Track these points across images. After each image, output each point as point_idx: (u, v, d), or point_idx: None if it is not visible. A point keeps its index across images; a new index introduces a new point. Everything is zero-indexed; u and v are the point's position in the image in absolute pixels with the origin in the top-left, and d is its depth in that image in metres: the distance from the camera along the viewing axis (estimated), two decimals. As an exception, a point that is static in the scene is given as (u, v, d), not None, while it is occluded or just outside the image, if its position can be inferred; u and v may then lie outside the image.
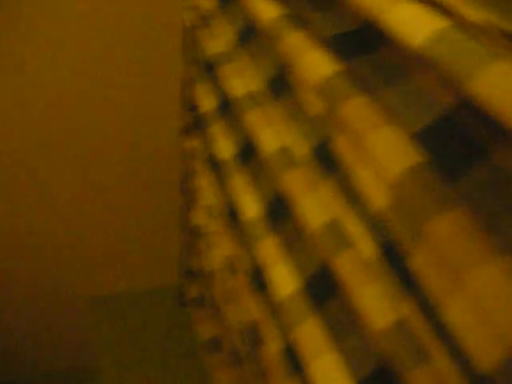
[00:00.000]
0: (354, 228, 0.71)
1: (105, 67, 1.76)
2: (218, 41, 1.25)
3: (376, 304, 0.69)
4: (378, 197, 0.65)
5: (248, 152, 1.14)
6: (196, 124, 1.49)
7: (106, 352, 2.34)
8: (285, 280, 0.92)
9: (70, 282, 2.50)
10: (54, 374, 3.03)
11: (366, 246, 0.68)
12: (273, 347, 0.97)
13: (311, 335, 0.84)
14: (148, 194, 2.20)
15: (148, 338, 2.36)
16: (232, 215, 1.20)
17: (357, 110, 0.67)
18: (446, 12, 0.56)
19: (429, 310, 0.58)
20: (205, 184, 1.42)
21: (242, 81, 1.11)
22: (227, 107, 1.27)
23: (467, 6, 0.56)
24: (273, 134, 0.98)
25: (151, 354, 2.30)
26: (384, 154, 0.62)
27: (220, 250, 1.31)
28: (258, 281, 1.06)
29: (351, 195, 0.74)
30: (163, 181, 2.17)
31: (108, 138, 1.96)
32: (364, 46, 0.71)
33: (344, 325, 0.81)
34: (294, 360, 0.92)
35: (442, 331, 0.56)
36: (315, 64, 0.77)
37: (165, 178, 2.16)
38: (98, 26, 1.66)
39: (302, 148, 0.85)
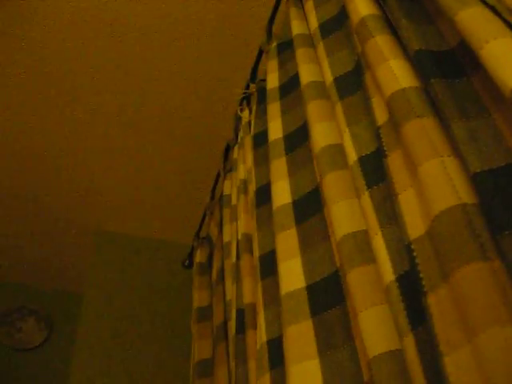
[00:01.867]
0: (380, 247, 0.69)
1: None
2: (302, 22, 1.23)
3: (376, 329, 0.67)
4: (415, 225, 0.63)
5: (296, 139, 1.12)
6: (257, 98, 1.47)
7: (95, 282, 2.37)
8: (293, 276, 0.90)
9: (84, 213, 2.52)
10: (43, 292, 3.08)
11: (386, 269, 0.66)
12: (261, 336, 0.96)
13: (302, 337, 0.82)
14: (190, 150, 2.20)
15: (140, 283, 2.37)
16: (261, 196, 1.18)
17: (422, 131, 0.65)
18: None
19: (430, 353, 0.56)
20: (245, 158, 1.40)
21: (313, 68, 1.09)
22: (290, 90, 1.25)
23: None
24: (329, 129, 0.96)
25: (139, 295, 2.31)
26: (434, 184, 0.60)
27: (240, 226, 1.29)
28: (267, 268, 1.04)
29: (389, 213, 0.72)
30: (211, 143, 2.17)
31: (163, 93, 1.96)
32: (448, 69, 0.68)
33: (337, 338, 0.79)
34: (277, 355, 0.90)
35: (437, 378, 0.54)
36: (395, 73, 0.74)
37: (214, 142, 2.16)
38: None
39: (356, 152, 0.83)
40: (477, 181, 0.55)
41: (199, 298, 1.74)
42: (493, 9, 0.63)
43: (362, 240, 0.78)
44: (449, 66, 0.69)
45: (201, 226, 2.09)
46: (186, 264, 2.20)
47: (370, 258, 0.75)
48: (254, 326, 1.10)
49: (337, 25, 1.07)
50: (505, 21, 0.60)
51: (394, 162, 0.72)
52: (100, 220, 2.53)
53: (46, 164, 2.26)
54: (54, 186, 2.37)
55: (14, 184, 2.35)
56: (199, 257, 1.94)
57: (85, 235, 2.62)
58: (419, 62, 0.70)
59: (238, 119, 1.63)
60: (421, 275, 0.59)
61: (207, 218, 2.01)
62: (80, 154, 2.22)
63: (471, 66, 0.68)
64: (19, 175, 2.31)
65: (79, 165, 2.27)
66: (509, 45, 0.56)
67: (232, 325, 1.22)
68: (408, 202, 0.66)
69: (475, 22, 0.60)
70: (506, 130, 0.59)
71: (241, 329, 1.16)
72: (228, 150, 1.80)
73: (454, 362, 0.51)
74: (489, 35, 0.57)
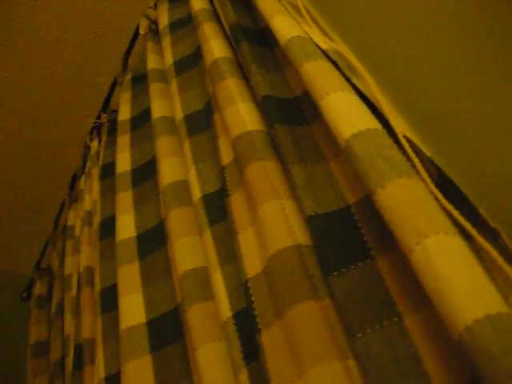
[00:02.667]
0: (219, 284, 0.70)
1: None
2: (158, 58, 1.24)
3: (213, 364, 0.68)
4: (252, 264, 0.65)
5: (145, 174, 1.12)
6: (108, 128, 1.46)
7: None
8: (133, 311, 0.89)
9: None
10: None
11: (223, 306, 0.67)
12: (99, 373, 0.93)
13: (140, 374, 0.81)
14: (35, 178, 2.12)
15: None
16: (105, 229, 1.16)
17: (263, 174, 0.67)
18: (379, 115, 0.57)
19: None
20: (91, 189, 1.37)
21: (165, 103, 1.09)
22: (141, 124, 1.24)
23: (397, 117, 0.58)
24: (176, 165, 0.97)
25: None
26: (272, 225, 0.62)
27: (82, 259, 1.26)
28: (108, 302, 1.02)
29: (229, 251, 0.73)
30: (57, 171, 2.10)
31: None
32: (291, 116, 0.72)
33: (175, 374, 0.79)
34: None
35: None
36: (241, 116, 0.77)
37: (61, 170, 2.09)
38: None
39: (200, 190, 0.84)
40: (311, 223, 0.58)
41: (36, 333, 1.66)
42: (335, 64, 0.67)
43: (202, 276, 0.78)
44: (292, 113, 0.72)
45: (42, 257, 2.00)
46: (24, 296, 2.09)
47: (210, 294, 0.76)
48: (93, 362, 1.07)
49: (191, 63, 1.08)
50: (344, 75, 0.65)
51: (236, 202, 0.74)
52: None
53: None
54: None
55: None
56: (38, 289, 1.86)
57: None
58: (265, 107, 0.73)
59: (87, 148, 1.60)
60: (255, 312, 0.61)
61: (49, 249, 1.93)
62: None
63: (313, 115, 0.72)
64: None
65: None
66: (346, 98, 0.60)
67: (69, 361, 1.18)
68: (247, 241, 0.68)
69: (318, 74, 0.64)
70: (341, 176, 0.63)
71: (79, 365, 1.12)
72: (75, 179, 1.75)
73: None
74: (329, 87, 0.61)
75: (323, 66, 0.65)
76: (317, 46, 0.69)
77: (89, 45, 1.76)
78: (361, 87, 0.64)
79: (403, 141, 0.53)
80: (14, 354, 2.17)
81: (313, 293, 0.55)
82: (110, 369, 0.92)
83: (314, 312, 0.54)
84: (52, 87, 1.86)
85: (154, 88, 1.15)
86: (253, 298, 0.62)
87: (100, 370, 0.92)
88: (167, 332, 0.85)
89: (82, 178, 1.60)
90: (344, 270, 0.54)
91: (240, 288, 0.67)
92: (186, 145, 0.92)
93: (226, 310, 0.67)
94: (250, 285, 0.63)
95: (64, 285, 1.49)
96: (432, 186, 0.49)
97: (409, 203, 0.44)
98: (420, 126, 0.64)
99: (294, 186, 0.63)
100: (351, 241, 0.56)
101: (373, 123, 0.54)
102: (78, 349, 1.13)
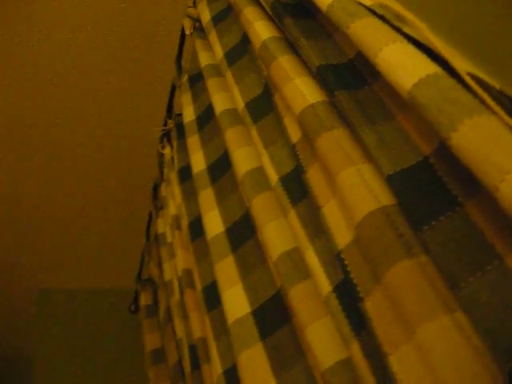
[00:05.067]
0: (313, 261, 0.70)
1: (95, 68, 1.75)
2: (209, 53, 1.24)
3: (323, 341, 0.68)
4: (341, 234, 0.64)
5: (221, 169, 1.13)
6: (177, 133, 1.48)
7: (45, 344, 2.29)
8: (237, 303, 0.91)
9: (23, 273, 2.45)
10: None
11: (322, 281, 0.67)
12: (216, 369, 0.95)
13: (255, 362, 0.83)
14: (119, 196, 2.18)
15: (92, 340, 2.31)
16: (194, 229, 1.18)
17: (334, 143, 0.67)
18: (437, 59, 0.56)
19: (376, 355, 0.57)
20: (173, 194, 1.40)
21: (225, 96, 1.10)
22: (207, 121, 1.26)
23: (457, 57, 0.56)
24: (249, 154, 0.97)
25: (91, 356, 2.25)
26: (353, 192, 0.61)
27: (179, 263, 1.29)
28: (211, 300, 1.04)
29: (317, 227, 0.73)
30: (137, 184, 2.15)
31: (89, 138, 1.94)
32: (350, 80, 0.71)
33: (289, 357, 0.80)
34: (234, 385, 0.90)
35: (387, 379, 0.55)
36: (301, 91, 0.76)
37: (139, 182, 2.14)
38: (97, 25, 1.65)
39: (276, 172, 0.84)
40: (391, 182, 0.57)
41: (151, 341, 1.72)
42: (382, 17, 0.65)
43: (296, 257, 0.79)
44: (350, 77, 0.71)
45: (141, 269, 2.07)
46: (133, 309, 2.17)
47: (307, 273, 0.76)
48: (209, 360, 1.10)
49: (241, 51, 1.08)
50: (393, 27, 0.63)
51: (313, 177, 0.73)
52: (38, 279, 2.47)
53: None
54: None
55: None
56: (144, 299, 1.92)
57: (25, 296, 2.55)
58: (321, 77, 0.72)
59: (161, 156, 1.63)
60: (354, 282, 0.60)
61: (146, 259, 1.99)
62: (14, 211, 2.17)
63: (371, 75, 0.71)
64: None
65: (12, 225, 2.21)
66: (400, 49, 0.58)
67: (186, 362, 1.21)
68: (332, 213, 0.67)
69: (366, 32, 0.62)
70: (412, 129, 0.61)
71: (195, 365, 1.15)
72: (156, 188, 1.79)
73: (398, 360, 0.52)
74: (381, 43, 0.59)
75: (370, 23, 0.64)
76: (359, 4, 0.67)
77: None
78: (414, 35, 0.62)
79: (467, 78, 0.51)
80: (134, 366, 2.25)
81: (407, 251, 0.54)
82: (226, 363, 0.94)
83: (412, 270, 0.53)
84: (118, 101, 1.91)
85: (211, 83, 1.16)
86: (349, 269, 0.62)
87: (217, 366, 0.94)
88: (273, 317, 0.86)
89: (163, 186, 1.64)
90: (434, 222, 0.53)
91: (335, 261, 0.67)
92: (254, 131, 0.93)
93: (325, 286, 0.67)
94: (343, 256, 0.63)
95: (167, 291, 1.53)
96: (507, 118, 0.47)
97: (485, 141, 0.43)
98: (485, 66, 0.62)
99: (367, 149, 0.62)
100: (435, 192, 0.55)
101: (432, 68, 0.52)
102: (192, 349, 1.16)
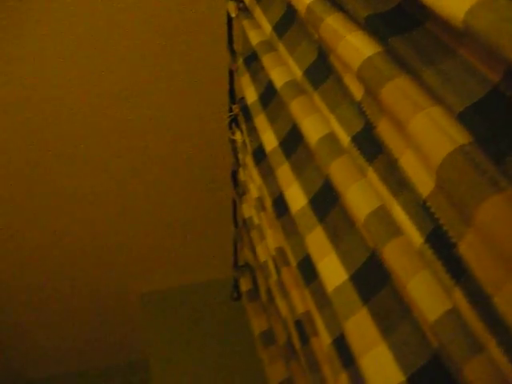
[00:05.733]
0: (401, 215, 0.68)
1: (150, 59, 1.77)
2: (258, 31, 1.23)
3: (426, 294, 0.67)
4: (423, 183, 0.62)
5: (293, 142, 1.12)
6: (243, 116, 1.48)
7: (158, 348, 2.35)
8: (334, 272, 0.90)
9: (122, 279, 2.52)
10: (106, 369, 3.07)
11: (413, 234, 0.65)
12: (325, 340, 0.95)
13: (362, 327, 0.82)
14: (199, 188, 2.21)
15: (201, 334, 2.36)
16: (279, 207, 1.18)
17: (398, 91, 0.64)
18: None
19: (480, 299, 0.55)
20: (252, 177, 1.41)
21: (282, 70, 1.09)
22: (270, 98, 1.25)
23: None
24: (317, 121, 0.96)
25: (204, 350, 2.30)
26: (427, 137, 0.59)
27: (270, 242, 1.29)
28: (308, 273, 1.04)
29: (398, 180, 0.72)
30: (215, 174, 2.17)
31: (157, 131, 1.97)
32: (401, 24, 0.68)
33: (394, 316, 0.79)
34: (346, 352, 0.90)
35: (495, 320, 0.53)
36: (354, 47, 0.74)
37: (216, 172, 2.16)
38: (141, 14, 1.66)
39: (347, 134, 0.83)
40: (464, 119, 0.55)
41: (258, 324, 1.74)
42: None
43: (383, 215, 0.77)
44: (401, 21, 0.69)
45: (235, 256, 2.09)
46: (235, 296, 2.20)
47: (396, 229, 0.75)
48: (316, 333, 1.10)
49: (288, 21, 1.07)
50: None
51: (384, 130, 0.71)
52: (138, 284, 2.54)
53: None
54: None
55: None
56: (245, 285, 1.95)
57: (130, 301, 2.63)
58: (372, 27, 0.70)
59: (233, 142, 1.64)
60: (445, 228, 0.58)
61: (239, 246, 2.01)
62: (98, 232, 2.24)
63: (422, 14, 0.68)
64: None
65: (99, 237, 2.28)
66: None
67: (295, 339, 1.22)
68: (410, 163, 0.65)
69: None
70: (475, 61, 0.58)
71: (304, 340, 1.16)
72: (235, 174, 1.80)
73: (504, 300, 0.50)
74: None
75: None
76: None
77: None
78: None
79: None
80: (247, 352, 2.28)
81: (494, 186, 0.51)
82: (333, 333, 0.94)
83: (503, 205, 0.50)
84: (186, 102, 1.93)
85: (267, 60, 1.15)
86: (437, 216, 0.60)
87: (325, 337, 0.94)
88: (372, 280, 0.85)
89: (241, 171, 1.65)
90: (516, 151, 0.50)
91: (421, 211, 0.65)
92: (317, 97, 0.91)
93: (417, 238, 0.65)
94: (428, 204, 0.61)
95: (264, 273, 1.54)
96: None
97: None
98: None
99: (432, 91, 0.59)
100: (511, 120, 0.52)
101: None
102: (298, 325, 1.17)
